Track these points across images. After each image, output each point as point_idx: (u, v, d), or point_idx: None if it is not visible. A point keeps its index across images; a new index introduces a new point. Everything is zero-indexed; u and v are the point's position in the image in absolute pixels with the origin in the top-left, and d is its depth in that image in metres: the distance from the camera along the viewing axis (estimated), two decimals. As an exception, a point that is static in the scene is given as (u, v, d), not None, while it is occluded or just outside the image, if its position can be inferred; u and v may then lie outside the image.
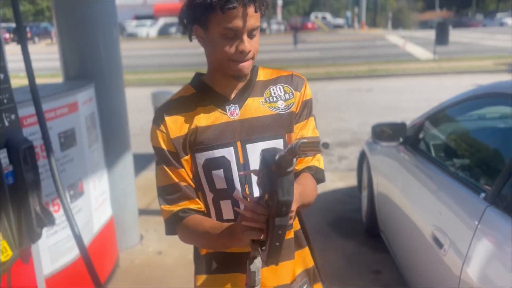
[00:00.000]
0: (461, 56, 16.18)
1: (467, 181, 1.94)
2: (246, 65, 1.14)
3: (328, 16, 52.59)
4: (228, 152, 1.19)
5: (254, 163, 1.18)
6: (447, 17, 45.58)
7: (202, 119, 1.19)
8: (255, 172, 1.05)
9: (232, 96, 1.21)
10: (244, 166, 1.20)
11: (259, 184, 1.02)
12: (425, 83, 11.28)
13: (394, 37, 29.62)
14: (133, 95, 8.76)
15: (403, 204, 2.39)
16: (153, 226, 3.79)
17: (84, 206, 2.61)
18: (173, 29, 41.37)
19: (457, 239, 1.68)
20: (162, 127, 1.19)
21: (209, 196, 1.23)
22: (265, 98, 1.23)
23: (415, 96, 9.34)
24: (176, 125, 1.19)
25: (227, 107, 1.21)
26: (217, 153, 1.19)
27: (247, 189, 1.21)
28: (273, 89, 1.25)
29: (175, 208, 1.22)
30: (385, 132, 2.68)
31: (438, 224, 1.86)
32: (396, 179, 2.69)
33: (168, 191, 1.22)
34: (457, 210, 1.79)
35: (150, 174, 5.05)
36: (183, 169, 1.20)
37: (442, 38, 17.80)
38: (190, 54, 16.75)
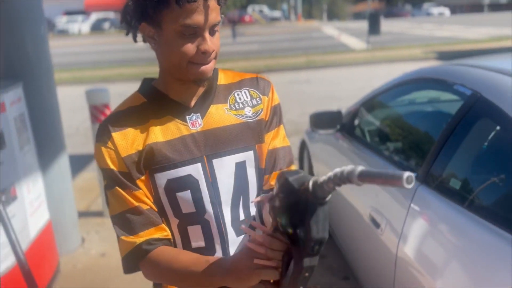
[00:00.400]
0: (393, 45, 16.90)
1: (400, 163, 2.04)
2: (209, 67, 0.98)
3: (265, 9, 53.04)
4: (195, 170, 1.03)
5: (224, 181, 1.05)
6: (378, 8, 47.39)
7: (159, 133, 1.02)
8: (266, 199, 0.89)
9: (192, 103, 1.05)
10: (212, 184, 1.04)
11: (272, 213, 0.84)
12: (360, 72, 11.68)
13: (330, 29, 30.34)
14: (67, 93, 8.41)
15: (343, 189, 2.48)
16: (95, 228, 3.68)
17: (18, 211, 2.48)
18: (106, 25, 40.03)
19: (392, 219, 1.77)
20: (109, 145, 1.00)
21: (174, 222, 1.06)
22: (230, 105, 1.08)
23: (351, 85, 9.64)
24: (127, 141, 1.01)
25: (187, 117, 1.04)
26: (182, 171, 1.02)
27: (230, 214, 1.06)
28: (237, 94, 1.10)
29: (137, 239, 1.01)
30: (322, 121, 2.75)
31: (375, 205, 1.94)
32: (335, 165, 2.77)
33: (127, 218, 1.01)
34: (391, 191, 1.87)
35: (88, 175, 4.89)
36: (141, 190, 1.02)
37: (374, 28, 18.46)
38: (126, 50, 16.34)
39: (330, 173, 0.70)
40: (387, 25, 25.33)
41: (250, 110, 1.09)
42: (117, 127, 1.01)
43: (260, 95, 1.12)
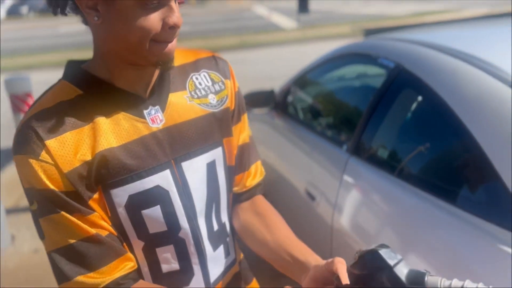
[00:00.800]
0: (322, 24, 17.23)
1: (332, 137, 2.10)
2: (175, 46, 0.79)
3: (194, -11, 52.01)
4: (163, 179, 0.82)
5: (197, 188, 0.88)
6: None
7: (110, 135, 0.78)
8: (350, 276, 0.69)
9: (147, 93, 0.83)
10: (185, 194, 0.86)
11: None
12: (293, 51, 11.82)
13: (260, 8, 30.33)
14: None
15: (280, 167, 2.51)
16: (25, 224, 3.49)
17: None
18: (24, 9, 37.47)
19: (327, 190, 1.82)
20: (43, 157, 0.73)
21: (138, 245, 0.84)
22: (190, 92, 0.89)
23: (284, 64, 9.74)
24: (67, 151, 0.75)
25: (144, 111, 0.82)
26: (148, 183, 0.81)
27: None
28: (196, 79, 0.91)
29: (101, 278, 0.77)
30: (256, 100, 2.76)
31: (310, 179, 1.99)
32: (271, 143, 2.80)
33: (80, 251, 0.77)
34: (325, 164, 1.93)
35: (14, 169, 4.57)
36: (95, 213, 0.78)
37: (303, 6, 18.62)
38: (48, 36, 15.41)
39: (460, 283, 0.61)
40: (315, 3, 25.70)
41: (214, 98, 0.91)
42: (49, 132, 0.74)
43: (222, 79, 0.94)
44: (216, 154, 0.91)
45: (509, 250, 1.01)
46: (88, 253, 0.77)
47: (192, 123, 0.87)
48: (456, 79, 1.38)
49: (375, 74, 2.17)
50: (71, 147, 0.75)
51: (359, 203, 1.64)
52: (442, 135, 1.41)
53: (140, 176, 0.80)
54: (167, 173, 0.83)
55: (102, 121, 0.78)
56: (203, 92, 0.91)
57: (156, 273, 0.88)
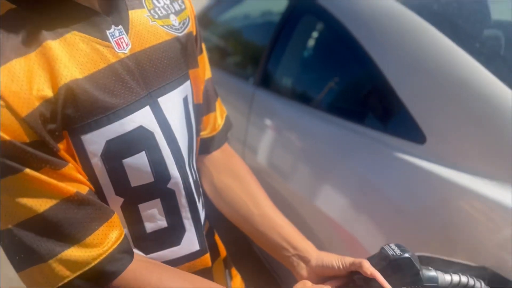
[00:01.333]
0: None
1: (238, 72, 2.05)
2: None
3: None
4: (146, 117, 0.66)
5: (178, 129, 0.71)
6: None
7: (70, 63, 0.58)
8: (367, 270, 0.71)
9: (105, 9, 0.64)
10: (170, 135, 0.70)
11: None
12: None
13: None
14: None
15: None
16: None
17: None
18: None
19: (236, 124, 1.78)
20: None
21: (115, 203, 0.68)
22: (150, 11, 0.71)
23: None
24: (20, 85, 0.54)
25: (107, 32, 0.63)
26: (128, 124, 0.64)
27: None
28: None
29: (97, 250, 0.60)
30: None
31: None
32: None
33: (59, 220, 0.57)
34: (232, 99, 1.88)
35: None
36: (69, 164, 0.59)
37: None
38: None
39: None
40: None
41: (175, 19, 0.74)
42: None
43: None
44: (187, 89, 0.76)
45: (410, 159, 1.05)
46: (68, 220, 0.58)
47: (161, 49, 0.69)
48: (355, 3, 1.36)
49: (278, 5, 2.13)
50: (23, 80, 0.54)
51: (268, 136, 1.62)
52: (343, 59, 1.41)
53: (118, 116, 0.62)
54: (148, 110, 0.66)
55: (53, 46, 0.57)
56: (164, 12, 0.73)
57: (139, 234, 0.71)
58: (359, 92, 1.35)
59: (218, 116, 0.92)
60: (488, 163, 0.92)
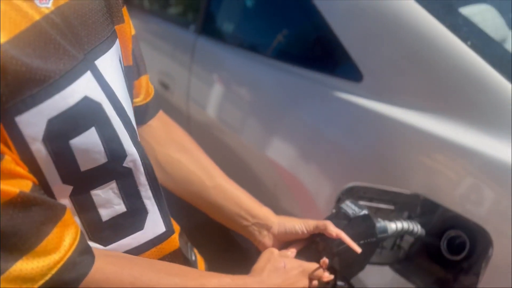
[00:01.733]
0: None
1: (179, 20, 1.98)
2: None
3: None
4: (89, 85, 0.54)
5: (121, 95, 0.61)
6: None
7: None
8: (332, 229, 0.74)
9: None
10: (116, 104, 0.59)
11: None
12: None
13: None
14: None
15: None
16: None
17: None
18: None
19: (178, 76, 1.75)
20: None
21: (63, 193, 0.56)
22: None
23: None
24: None
25: None
26: (70, 95, 0.52)
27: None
28: None
29: (53, 257, 0.50)
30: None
31: (164, 69, 1.89)
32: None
33: (4, 225, 0.47)
34: (175, 50, 1.83)
35: None
36: (5, 156, 0.48)
37: None
38: None
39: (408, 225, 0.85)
40: None
41: None
42: None
43: None
44: (118, 49, 0.64)
45: (348, 96, 1.07)
46: (13, 227, 0.47)
47: (84, 4, 0.58)
48: None
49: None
50: None
51: (212, 86, 1.60)
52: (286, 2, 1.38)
53: (57, 87, 0.50)
54: (89, 76, 0.55)
55: None
56: None
57: (94, 224, 0.61)
58: (301, 35, 1.35)
59: (149, 81, 0.81)
60: (421, 97, 0.96)
